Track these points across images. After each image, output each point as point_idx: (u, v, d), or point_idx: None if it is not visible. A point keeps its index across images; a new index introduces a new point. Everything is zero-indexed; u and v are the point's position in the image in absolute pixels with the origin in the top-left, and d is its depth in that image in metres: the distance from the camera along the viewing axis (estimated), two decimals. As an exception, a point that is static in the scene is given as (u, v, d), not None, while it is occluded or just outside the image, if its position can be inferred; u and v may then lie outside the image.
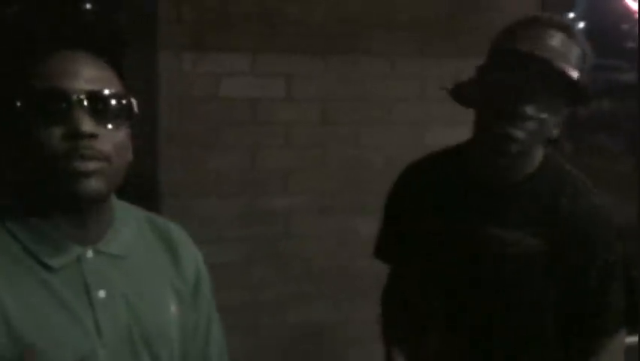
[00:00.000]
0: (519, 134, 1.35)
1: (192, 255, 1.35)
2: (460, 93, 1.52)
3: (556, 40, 1.36)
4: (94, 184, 1.10)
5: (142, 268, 1.25)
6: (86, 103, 1.11)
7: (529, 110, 1.34)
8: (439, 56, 3.03)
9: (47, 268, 1.13)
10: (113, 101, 1.15)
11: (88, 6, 3.02)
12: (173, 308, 1.26)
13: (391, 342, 1.69)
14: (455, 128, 3.27)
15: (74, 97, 1.10)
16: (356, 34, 2.94)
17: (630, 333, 3.53)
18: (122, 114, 1.16)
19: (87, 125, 1.09)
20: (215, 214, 2.80)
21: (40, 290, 1.11)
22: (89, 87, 1.12)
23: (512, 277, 1.43)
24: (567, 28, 1.39)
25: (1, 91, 1.17)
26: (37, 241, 1.13)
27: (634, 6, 3.44)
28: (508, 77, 1.36)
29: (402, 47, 3.01)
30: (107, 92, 1.14)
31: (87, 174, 1.09)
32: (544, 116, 1.36)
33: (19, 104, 1.11)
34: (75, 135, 1.09)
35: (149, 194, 2.61)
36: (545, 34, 1.36)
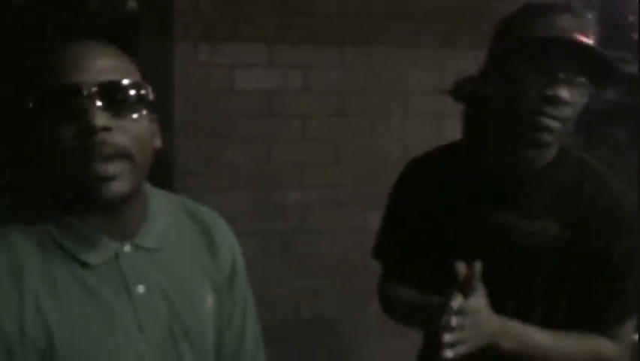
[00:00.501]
0: (554, 124, 1.34)
1: (229, 244, 1.32)
2: (462, 91, 1.52)
3: (576, 22, 1.36)
4: (117, 187, 1.06)
5: (178, 259, 1.22)
6: (97, 96, 1.05)
7: (565, 93, 1.32)
8: (457, 47, 3.00)
9: (84, 265, 1.10)
10: (128, 92, 1.09)
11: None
12: (209, 299, 1.24)
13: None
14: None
15: (85, 90, 1.05)
16: (373, 25, 2.91)
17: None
18: (139, 104, 1.10)
19: (99, 118, 1.03)
20: (230, 207, 2.77)
21: (77, 289, 1.09)
22: (99, 79, 1.06)
23: (533, 267, 1.43)
24: (578, 12, 1.38)
25: (15, 90, 1.14)
26: (73, 239, 1.11)
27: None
28: (538, 63, 1.33)
29: (420, 38, 2.98)
30: (119, 82, 1.08)
31: (108, 178, 1.05)
32: (578, 100, 1.35)
33: (31, 103, 1.07)
34: (88, 130, 1.03)
35: (163, 186, 2.60)
36: (562, 18, 1.36)
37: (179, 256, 1.22)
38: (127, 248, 1.15)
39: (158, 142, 1.16)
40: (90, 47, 1.11)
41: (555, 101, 1.32)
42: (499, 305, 1.37)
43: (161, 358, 1.15)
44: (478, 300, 1.33)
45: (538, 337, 1.40)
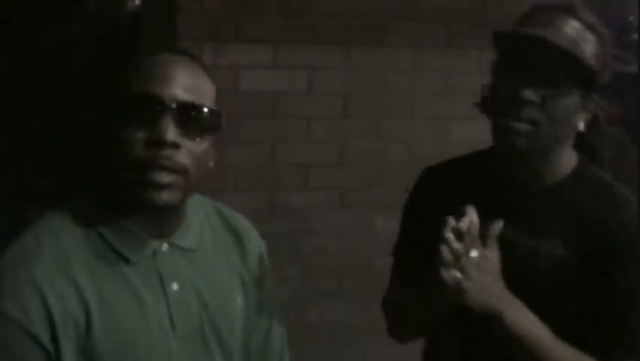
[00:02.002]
0: (521, 126, 1.25)
1: (258, 246, 1.37)
2: (484, 103, 1.39)
3: (557, 20, 1.29)
4: (166, 196, 1.11)
5: (211, 259, 1.27)
6: (174, 112, 1.10)
7: (528, 94, 1.24)
8: (463, 49, 2.98)
9: (125, 260, 1.16)
10: (202, 115, 1.13)
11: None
12: (239, 299, 1.29)
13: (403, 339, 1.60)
14: (479, 122, 3.25)
15: (166, 104, 1.10)
16: (379, 27, 2.90)
17: None
18: (209, 128, 1.15)
19: (172, 134, 1.09)
20: (234, 209, 2.77)
21: (117, 281, 1.15)
22: (181, 96, 1.11)
23: (535, 288, 1.33)
24: (574, 11, 1.30)
25: (101, 92, 1.20)
26: (117, 235, 1.16)
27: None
28: (505, 63, 1.28)
29: (426, 40, 2.97)
30: (198, 104, 1.13)
31: (161, 186, 1.10)
32: (548, 99, 1.25)
33: (110, 105, 1.13)
34: (158, 143, 1.09)
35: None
36: (546, 16, 1.29)
37: (211, 257, 1.27)
38: (164, 247, 1.20)
39: (211, 163, 1.21)
40: (178, 62, 1.15)
41: (518, 101, 1.24)
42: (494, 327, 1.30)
43: (190, 354, 1.20)
44: (491, 252, 1.26)
45: (541, 328, 1.30)
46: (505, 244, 1.31)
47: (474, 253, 1.24)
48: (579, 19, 1.30)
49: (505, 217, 1.31)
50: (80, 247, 1.14)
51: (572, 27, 1.29)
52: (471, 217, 1.25)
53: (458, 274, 1.23)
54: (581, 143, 1.39)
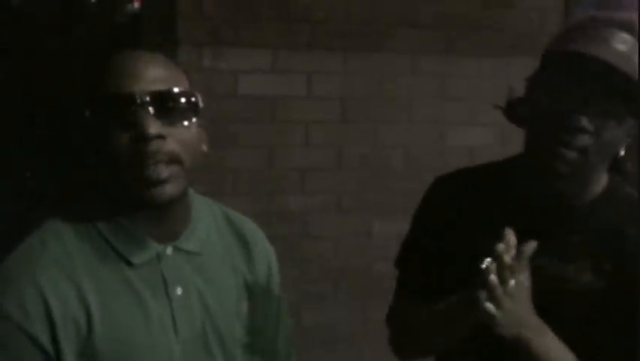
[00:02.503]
0: (570, 154, 1.17)
1: (265, 251, 1.36)
2: (514, 111, 1.31)
3: (617, 40, 1.17)
4: (168, 189, 1.11)
5: (216, 263, 1.26)
6: (150, 104, 1.10)
7: (584, 122, 1.15)
8: (460, 55, 2.99)
9: (129, 264, 1.16)
10: (178, 100, 1.13)
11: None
12: (244, 304, 1.28)
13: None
14: (476, 128, 3.28)
15: (138, 99, 1.10)
16: (377, 32, 2.91)
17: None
18: (189, 111, 1.15)
19: (152, 126, 1.09)
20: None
21: (119, 284, 1.14)
22: (151, 88, 1.11)
23: (559, 313, 1.25)
24: (631, 27, 1.19)
25: (75, 99, 1.19)
26: (120, 238, 1.16)
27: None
28: (558, 83, 1.17)
29: (423, 45, 2.97)
30: (170, 90, 1.13)
31: (161, 181, 1.10)
32: (602, 129, 1.16)
33: (88, 111, 1.13)
34: (142, 138, 1.08)
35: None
36: (604, 33, 1.18)
37: (216, 260, 1.26)
38: (169, 250, 1.19)
39: (205, 147, 1.21)
40: (142, 57, 1.16)
41: (568, 127, 1.16)
42: (513, 355, 1.22)
43: (192, 358, 1.19)
44: (524, 277, 1.17)
45: (568, 356, 1.23)
46: (532, 268, 1.21)
47: (512, 283, 1.14)
48: (633, 33, 1.19)
49: (528, 236, 1.20)
50: (84, 250, 1.15)
51: (628, 45, 1.17)
52: (509, 241, 1.16)
53: (491, 305, 1.14)
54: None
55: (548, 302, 1.23)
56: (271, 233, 2.92)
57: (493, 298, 1.13)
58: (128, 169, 1.10)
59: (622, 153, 1.24)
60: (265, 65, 2.80)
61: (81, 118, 1.14)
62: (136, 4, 3.37)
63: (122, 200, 1.16)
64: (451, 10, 2.97)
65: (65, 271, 1.11)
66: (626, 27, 1.19)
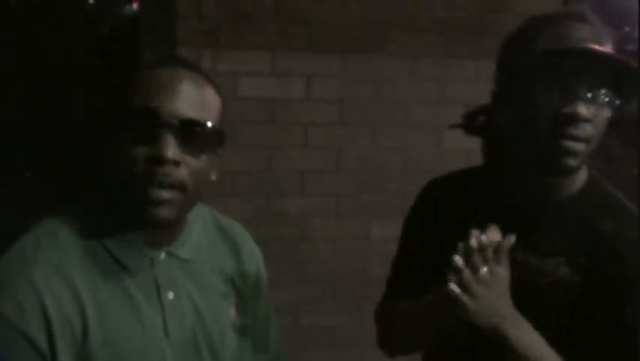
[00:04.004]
0: (577, 146, 1.21)
1: (254, 256, 1.37)
2: (473, 124, 1.39)
3: (591, 32, 1.24)
4: (165, 213, 1.10)
5: (206, 269, 1.27)
6: (176, 129, 1.08)
7: (588, 112, 1.20)
8: (459, 58, 3.00)
9: (123, 268, 1.15)
10: (205, 132, 1.11)
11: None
12: (233, 309, 1.29)
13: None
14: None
15: (168, 120, 1.08)
16: (376, 35, 2.91)
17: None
18: (211, 145, 1.14)
19: (172, 151, 1.07)
20: (231, 214, 2.77)
21: (114, 289, 1.14)
22: (184, 113, 1.09)
23: (537, 307, 1.28)
24: (585, 18, 1.26)
25: (104, 104, 1.18)
26: (117, 242, 1.16)
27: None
28: (557, 79, 1.21)
29: (422, 48, 2.98)
30: (202, 121, 1.11)
31: (159, 203, 1.09)
32: (601, 116, 1.22)
33: (112, 118, 1.12)
34: (158, 160, 1.07)
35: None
36: (577, 26, 1.24)
37: (207, 266, 1.27)
38: (162, 256, 1.19)
39: (214, 176, 1.20)
40: (183, 77, 1.13)
41: (574, 119, 1.19)
42: (496, 347, 1.25)
43: None
44: (502, 269, 1.21)
45: (544, 348, 1.25)
46: (510, 262, 1.25)
47: (483, 271, 1.19)
48: (598, 28, 1.26)
49: (509, 233, 1.24)
50: (79, 251, 1.14)
51: (599, 35, 1.24)
52: (492, 235, 1.21)
53: (460, 291, 1.18)
54: None
55: (525, 295, 1.26)
56: (270, 235, 2.94)
57: (462, 284, 1.17)
58: (132, 185, 1.09)
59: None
60: (264, 67, 2.80)
61: (99, 122, 1.14)
62: (135, 6, 3.37)
63: (120, 211, 1.15)
64: (449, 13, 2.98)
65: (60, 271, 1.11)
66: (581, 19, 1.25)
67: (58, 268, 1.11)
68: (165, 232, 1.19)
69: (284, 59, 2.81)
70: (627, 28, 3.59)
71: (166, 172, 1.08)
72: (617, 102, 1.24)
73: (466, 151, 3.08)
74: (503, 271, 1.22)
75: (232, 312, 1.29)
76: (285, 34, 2.80)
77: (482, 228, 1.23)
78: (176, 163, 1.08)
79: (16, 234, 1.17)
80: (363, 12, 2.87)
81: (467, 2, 2.99)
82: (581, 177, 1.33)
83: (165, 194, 1.09)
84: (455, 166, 1.56)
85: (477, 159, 1.48)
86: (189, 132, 1.09)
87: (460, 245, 1.19)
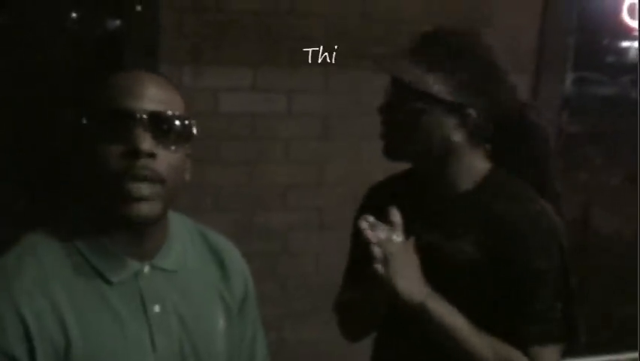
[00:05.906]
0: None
1: (241, 269, 1.38)
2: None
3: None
4: (147, 208, 1.12)
5: (193, 282, 1.27)
6: (147, 123, 1.12)
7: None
8: (440, 73, 3.02)
9: (107, 282, 1.16)
10: (175, 123, 1.16)
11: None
12: (221, 322, 1.29)
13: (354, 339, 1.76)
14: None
15: (137, 116, 1.12)
16: (358, 50, 2.93)
17: (630, 349, 3.47)
18: (183, 136, 1.17)
19: (147, 143, 1.11)
20: (213, 229, 2.77)
21: (98, 304, 1.15)
22: (151, 107, 1.14)
23: (453, 286, 1.46)
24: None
25: (72, 111, 1.21)
26: (98, 256, 1.17)
27: (632, 23, 3.50)
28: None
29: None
30: (169, 113, 1.16)
31: (140, 198, 1.11)
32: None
33: (84, 123, 1.14)
34: (134, 153, 1.10)
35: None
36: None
37: (193, 279, 1.28)
38: (146, 269, 1.21)
39: (188, 176, 1.23)
40: (144, 77, 1.19)
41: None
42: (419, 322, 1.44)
43: None
44: (409, 245, 1.44)
45: (459, 318, 1.44)
46: (426, 246, 1.48)
47: (396, 238, 1.42)
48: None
49: (427, 222, 1.52)
50: (61, 266, 1.14)
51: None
52: (393, 218, 1.43)
53: (381, 265, 1.38)
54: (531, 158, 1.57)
55: (440, 274, 1.46)
56: (252, 250, 2.92)
57: (383, 252, 1.39)
58: (111, 183, 1.11)
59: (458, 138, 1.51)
60: (246, 82, 2.81)
61: (72, 129, 1.16)
62: (117, 21, 3.37)
63: (101, 216, 1.16)
64: (429, 28, 3.00)
65: (41, 288, 1.11)
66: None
67: (39, 284, 1.11)
68: (147, 241, 1.20)
69: (265, 74, 2.82)
70: (605, 41, 3.66)
71: (143, 164, 1.10)
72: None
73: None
74: (410, 248, 1.44)
75: (220, 325, 1.29)
76: (266, 49, 2.81)
77: (408, 219, 1.46)
78: (152, 155, 1.11)
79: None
80: (345, 28, 2.89)
81: (447, 18, 3.01)
82: (481, 171, 1.53)
83: (145, 189, 1.11)
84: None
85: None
86: (159, 124, 1.14)
87: (360, 223, 1.41)
